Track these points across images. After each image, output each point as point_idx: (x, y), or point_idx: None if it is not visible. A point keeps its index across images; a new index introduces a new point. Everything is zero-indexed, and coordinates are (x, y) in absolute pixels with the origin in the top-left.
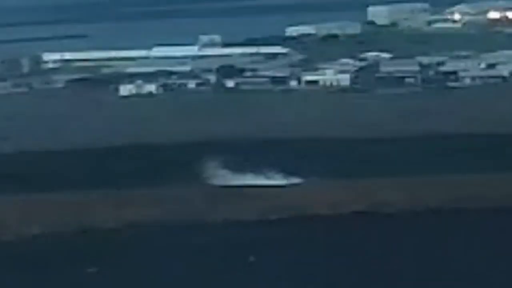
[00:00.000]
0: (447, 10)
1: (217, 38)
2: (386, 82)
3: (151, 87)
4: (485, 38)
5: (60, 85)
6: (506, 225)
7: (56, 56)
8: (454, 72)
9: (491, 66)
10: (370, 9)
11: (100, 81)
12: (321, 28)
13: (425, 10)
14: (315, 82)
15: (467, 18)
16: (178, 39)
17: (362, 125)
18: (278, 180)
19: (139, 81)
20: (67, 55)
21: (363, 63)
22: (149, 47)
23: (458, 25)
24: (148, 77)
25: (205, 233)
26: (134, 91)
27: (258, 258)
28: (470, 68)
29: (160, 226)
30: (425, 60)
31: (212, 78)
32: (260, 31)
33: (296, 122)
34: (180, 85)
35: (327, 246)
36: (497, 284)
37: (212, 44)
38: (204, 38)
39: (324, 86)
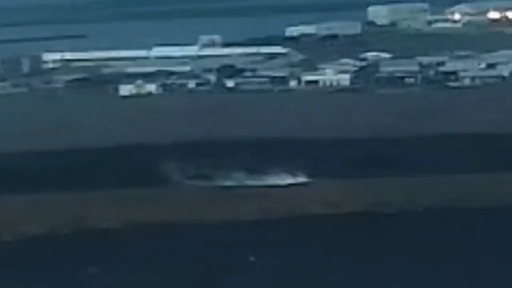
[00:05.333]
0: (447, 10)
1: (217, 38)
2: (386, 82)
3: (151, 87)
4: (485, 38)
5: (60, 85)
6: (506, 225)
7: (56, 56)
8: (454, 72)
9: (491, 66)
10: (370, 9)
11: (100, 81)
12: (321, 28)
13: (425, 10)
14: (315, 82)
15: (467, 18)
16: (178, 39)
17: (362, 125)
18: (278, 180)
19: (139, 81)
20: (67, 55)
21: (363, 63)
22: (149, 47)
23: (458, 25)
24: (148, 77)
25: (205, 233)
26: (134, 91)
27: (258, 258)
28: (470, 68)
29: (160, 226)
30: (425, 60)
31: (212, 78)
32: (260, 31)
33: (296, 122)
34: (180, 85)
35: (327, 246)
36: (497, 283)
37: (212, 44)
38: (204, 38)
39: (324, 86)
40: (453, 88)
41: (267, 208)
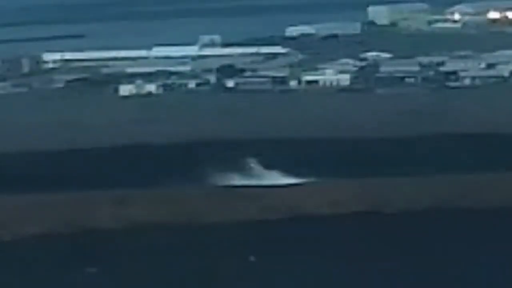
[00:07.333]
0: (447, 10)
1: (217, 38)
2: (386, 82)
3: (151, 87)
4: (485, 38)
5: (60, 85)
6: (506, 225)
7: (56, 56)
8: (454, 72)
9: (491, 66)
10: (370, 9)
11: (100, 81)
12: (321, 28)
13: (425, 10)
14: (315, 82)
15: (467, 18)
16: (178, 39)
17: (362, 125)
18: (278, 180)
19: (139, 81)
20: (67, 55)
21: (363, 63)
22: (149, 47)
23: (458, 25)
24: (148, 77)
25: (205, 233)
26: (134, 91)
27: (258, 258)
28: (470, 68)
29: (160, 226)
30: (425, 60)
31: (212, 78)
32: (260, 31)
33: (296, 122)
34: (180, 85)
35: (327, 246)
36: (497, 284)
37: (212, 44)
38: (204, 38)
39: (324, 86)
40: (453, 88)
41: (267, 208)
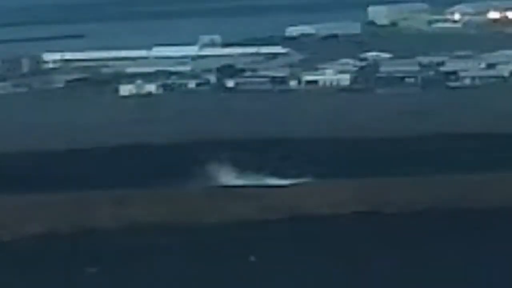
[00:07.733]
0: (447, 10)
1: (217, 38)
2: (386, 82)
3: (151, 87)
4: (485, 38)
5: (60, 85)
6: (506, 225)
7: (56, 56)
8: (454, 72)
9: (491, 66)
10: (370, 9)
11: (100, 81)
12: (321, 28)
13: (425, 10)
14: (315, 82)
15: (467, 18)
16: (178, 39)
17: (362, 125)
18: (278, 180)
19: (139, 81)
20: (67, 55)
21: (363, 63)
22: (149, 47)
23: (458, 25)
24: (148, 77)
25: (205, 233)
26: (134, 91)
27: (258, 258)
28: (470, 68)
29: (160, 226)
30: (425, 60)
31: (212, 78)
32: (260, 31)
33: (296, 122)
34: (180, 85)
35: (327, 246)
36: (497, 284)
37: (212, 44)
38: (204, 38)
39: (324, 86)
40: (453, 88)
41: (267, 208)
